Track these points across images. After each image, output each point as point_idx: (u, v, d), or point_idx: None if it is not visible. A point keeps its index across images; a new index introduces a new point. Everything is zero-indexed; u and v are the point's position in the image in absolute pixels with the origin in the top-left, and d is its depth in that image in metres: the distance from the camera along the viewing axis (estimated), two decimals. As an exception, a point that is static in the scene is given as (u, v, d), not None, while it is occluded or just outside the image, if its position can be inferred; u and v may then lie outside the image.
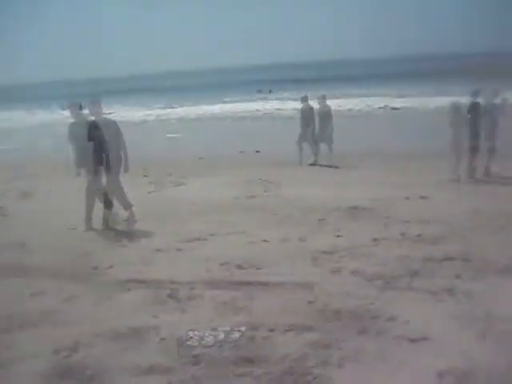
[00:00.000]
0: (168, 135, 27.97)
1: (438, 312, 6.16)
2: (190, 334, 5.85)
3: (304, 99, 17.66)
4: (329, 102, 17.93)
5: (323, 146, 17.26)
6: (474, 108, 13.86)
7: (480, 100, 13.95)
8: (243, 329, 5.92)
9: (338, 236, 9.12)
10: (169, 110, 45.48)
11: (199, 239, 9.37)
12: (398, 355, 5.28)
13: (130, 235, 9.98)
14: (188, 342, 5.70)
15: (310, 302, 6.52)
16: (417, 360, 5.17)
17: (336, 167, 16.29)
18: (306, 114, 17.26)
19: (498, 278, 7.05)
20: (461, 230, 9.19)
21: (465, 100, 14.19)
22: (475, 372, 4.90)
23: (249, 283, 7.20)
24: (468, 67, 64.83)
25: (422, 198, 11.65)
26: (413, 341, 5.51)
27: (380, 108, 36.02)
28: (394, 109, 34.93)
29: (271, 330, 5.87)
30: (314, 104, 17.74)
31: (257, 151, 20.23)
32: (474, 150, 13.86)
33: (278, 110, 38.64)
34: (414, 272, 7.31)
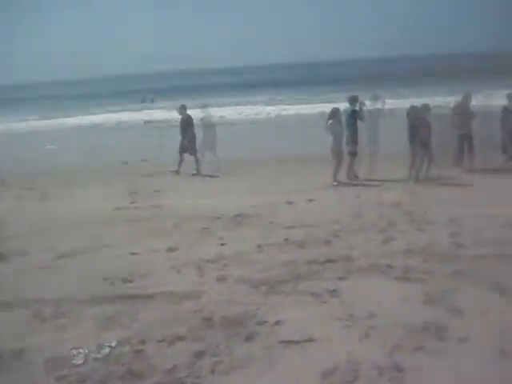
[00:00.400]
0: (48, 146, 26.85)
1: (322, 313, 6.30)
2: (75, 351, 5.66)
3: (182, 109, 17.51)
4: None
5: (209, 155, 17.19)
6: (352, 114, 14.38)
7: (357, 107, 14.49)
8: (130, 343, 5.81)
9: (222, 244, 9.15)
10: (49, 121, 43.68)
11: (82, 254, 9.11)
12: (285, 359, 5.36)
13: (4, 254, 9.48)
14: (73, 361, 5.51)
15: (196, 312, 6.49)
16: (303, 362, 5.28)
17: (220, 175, 16.28)
18: (185, 124, 17.12)
19: (379, 277, 7.33)
20: (343, 232, 9.49)
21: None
22: (359, 370, 5.06)
23: (134, 296, 7.07)
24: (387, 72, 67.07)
25: (306, 202, 11.95)
26: (298, 343, 5.61)
27: (274, 115, 36.24)
28: (285, 115, 35.27)
29: (159, 342, 5.80)
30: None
31: (143, 160, 19.85)
32: (353, 154, 14.39)
33: (164, 119, 38.00)
34: (299, 276, 7.46)
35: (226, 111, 37.37)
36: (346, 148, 14.33)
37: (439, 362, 5.18)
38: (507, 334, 5.59)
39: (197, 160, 16.87)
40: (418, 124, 13.95)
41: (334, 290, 6.87)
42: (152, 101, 57.62)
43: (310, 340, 5.67)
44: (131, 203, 12.73)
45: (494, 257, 7.87)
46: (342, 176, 14.34)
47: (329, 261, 7.98)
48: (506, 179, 13.61)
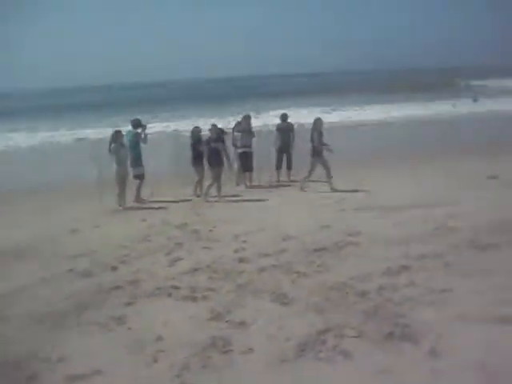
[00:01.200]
0: None
1: (108, 343, 6.18)
2: None
3: None
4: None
5: None
6: (135, 137, 14.27)
7: (139, 130, 14.41)
8: None
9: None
10: None
11: None
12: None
13: None
14: None
15: (-29, 358, 6.02)
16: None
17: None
18: None
19: (166, 299, 7.37)
20: (130, 257, 9.40)
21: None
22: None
23: None
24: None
25: (91, 229, 11.66)
26: (85, 377, 5.45)
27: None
28: (69, 140, 33.60)
29: None
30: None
31: None
32: (138, 176, 14.25)
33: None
34: (84, 306, 7.26)
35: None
36: (131, 171, 14.19)
37: (226, 375, 5.32)
38: (288, 342, 5.89)
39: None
40: (201, 144, 14.27)
41: (120, 318, 6.78)
42: None
43: (97, 372, 5.53)
44: None
45: (274, 268, 8.28)
46: (129, 199, 14.15)
47: (115, 287, 7.87)
48: (286, 194, 14.46)
